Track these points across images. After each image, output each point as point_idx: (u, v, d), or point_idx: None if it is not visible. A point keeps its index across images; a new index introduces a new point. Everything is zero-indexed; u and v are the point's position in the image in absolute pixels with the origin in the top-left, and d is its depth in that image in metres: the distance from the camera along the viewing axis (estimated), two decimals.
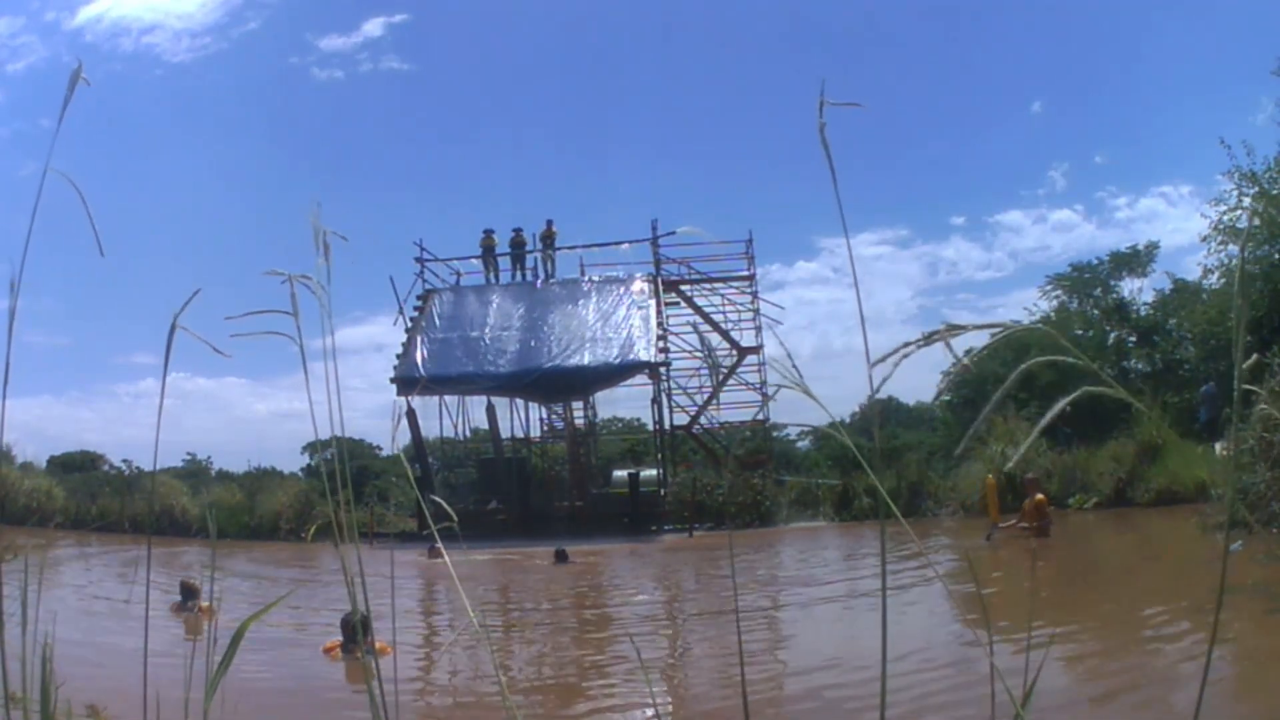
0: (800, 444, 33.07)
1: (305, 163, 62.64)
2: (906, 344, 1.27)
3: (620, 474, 21.84)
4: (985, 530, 12.40)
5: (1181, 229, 50.11)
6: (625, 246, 22.67)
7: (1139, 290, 25.03)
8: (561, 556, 12.78)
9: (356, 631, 6.00)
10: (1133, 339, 24.17)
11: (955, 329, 1.35)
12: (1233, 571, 7.16)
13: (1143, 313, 24.48)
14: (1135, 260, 25.01)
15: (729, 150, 61.70)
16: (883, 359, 1.26)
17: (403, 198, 60.18)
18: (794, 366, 1.44)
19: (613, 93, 64.35)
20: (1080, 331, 23.54)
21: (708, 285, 22.86)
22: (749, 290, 22.72)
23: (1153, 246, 24.95)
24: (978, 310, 55.45)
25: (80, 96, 1.59)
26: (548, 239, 23.02)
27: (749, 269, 22.75)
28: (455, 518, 1.77)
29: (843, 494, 19.21)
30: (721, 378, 20.58)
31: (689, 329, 22.09)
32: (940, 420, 29.00)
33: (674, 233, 21.82)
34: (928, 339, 1.30)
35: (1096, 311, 24.91)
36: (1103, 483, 15.84)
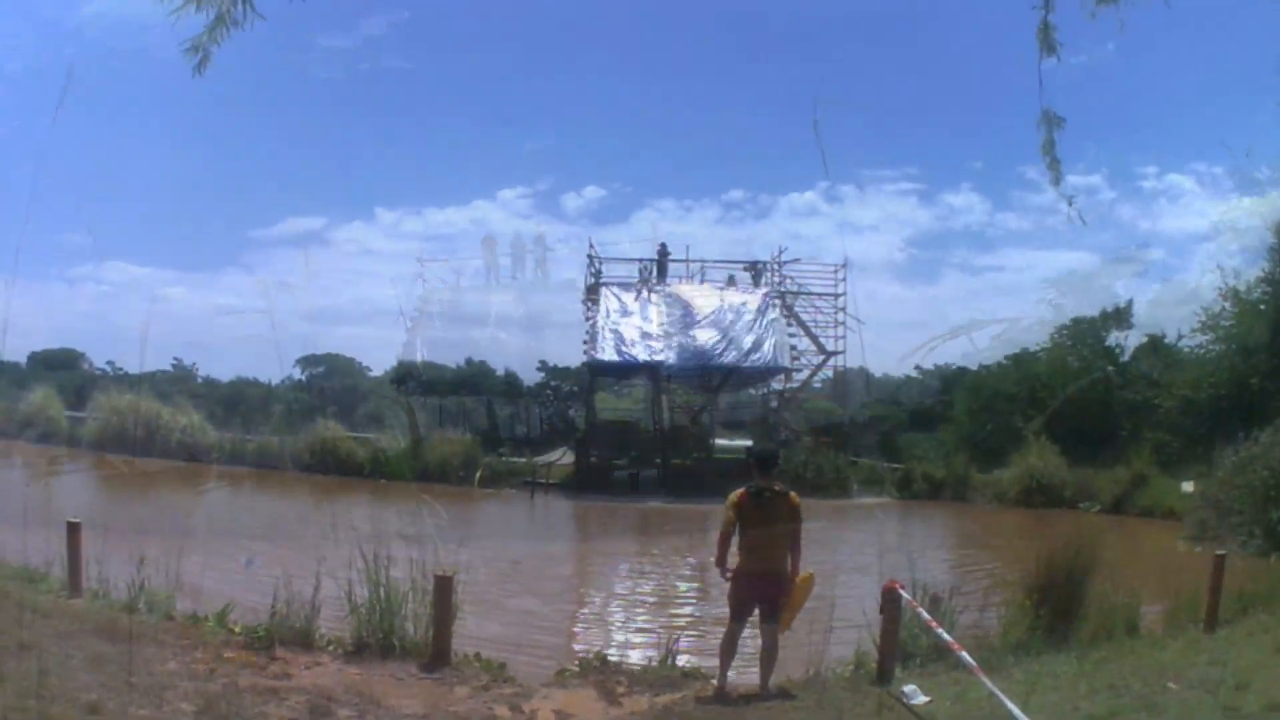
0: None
1: (305, 160, 63.33)
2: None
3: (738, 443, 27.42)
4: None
5: (1183, 228, 54.61)
6: (743, 269, 28.54)
7: (1125, 337, 31.69)
8: None
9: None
10: (1115, 373, 30.62)
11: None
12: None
13: (1125, 360, 31.16)
14: (1118, 317, 31.79)
15: (729, 150, 64.22)
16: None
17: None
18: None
19: (613, 92, 65.48)
20: (1076, 363, 30.01)
21: (805, 299, 28.86)
22: (838, 306, 28.80)
23: (1128, 305, 31.41)
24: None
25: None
26: (662, 256, 28.47)
27: (839, 288, 28.72)
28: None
29: (904, 476, 25.43)
30: (810, 374, 26.92)
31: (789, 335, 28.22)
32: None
33: (794, 260, 27.78)
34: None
35: (1086, 353, 31.48)
36: (1105, 493, 22.15)
